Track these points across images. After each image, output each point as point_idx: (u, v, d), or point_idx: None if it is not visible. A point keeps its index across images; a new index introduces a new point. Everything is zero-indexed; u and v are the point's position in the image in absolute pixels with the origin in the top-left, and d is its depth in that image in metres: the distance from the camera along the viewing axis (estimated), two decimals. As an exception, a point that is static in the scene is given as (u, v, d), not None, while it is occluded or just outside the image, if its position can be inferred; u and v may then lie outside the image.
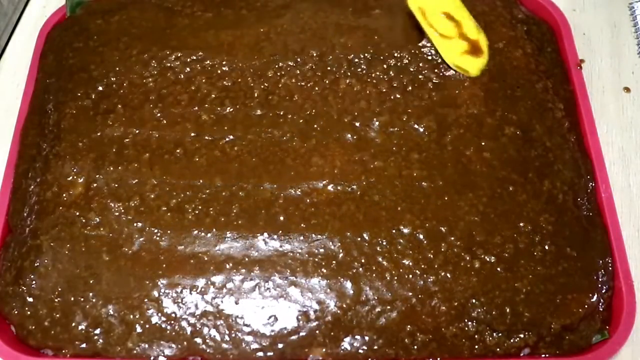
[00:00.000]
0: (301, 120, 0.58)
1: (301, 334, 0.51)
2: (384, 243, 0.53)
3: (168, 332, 0.51)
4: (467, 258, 0.52)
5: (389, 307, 0.51)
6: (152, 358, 0.51)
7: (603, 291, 0.53)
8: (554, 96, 0.61)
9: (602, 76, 0.67)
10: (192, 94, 0.60)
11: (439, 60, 0.61)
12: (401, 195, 0.55)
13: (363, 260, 0.52)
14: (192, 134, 0.58)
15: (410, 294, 0.51)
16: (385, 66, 0.61)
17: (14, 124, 0.63)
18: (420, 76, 0.60)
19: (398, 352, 0.51)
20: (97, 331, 0.51)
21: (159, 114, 0.59)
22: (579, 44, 0.66)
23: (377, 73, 0.61)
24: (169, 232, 0.54)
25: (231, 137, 0.58)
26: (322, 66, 0.61)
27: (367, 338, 0.51)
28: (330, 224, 0.54)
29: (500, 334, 0.51)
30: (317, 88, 0.60)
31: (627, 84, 0.67)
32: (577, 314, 0.51)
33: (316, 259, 0.53)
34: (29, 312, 0.52)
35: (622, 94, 0.67)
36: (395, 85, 0.60)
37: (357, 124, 0.58)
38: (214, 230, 0.54)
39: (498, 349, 0.51)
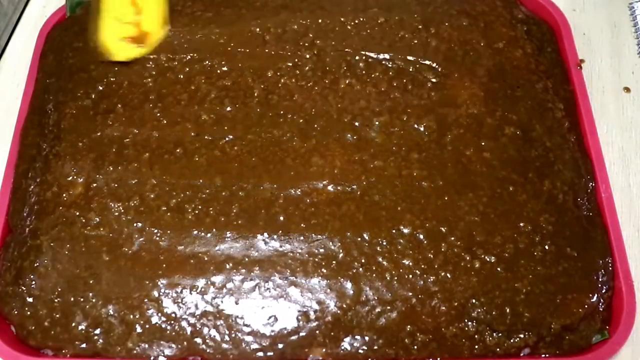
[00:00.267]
0: (301, 120, 0.58)
1: (301, 334, 0.51)
2: (384, 243, 0.53)
3: (168, 332, 0.51)
4: (467, 258, 0.52)
5: (389, 307, 0.51)
6: (152, 358, 0.51)
7: (603, 291, 0.53)
8: (554, 96, 0.61)
9: (602, 76, 0.67)
10: (192, 93, 0.60)
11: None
12: (401, 195, 0.55)
13: (363, 260, 0.52)
14: (192, 134, 0.58)
15: (410, 294, 0.51)
16: (384, 66, 0.61)
17: (14, 124, 0.63)
18: (419, 76, 0.60)
19: (398, 352, 0.51)
20: (97, 331, 0.51)
21: (158, 114, 0.59)
22: (579, 44, 0.66)
23: (377, 73, 0.61)
24: (168, 232, 0.54)
25: (231, 136, 0.58)
26: (321, 66, 0.61)
27: (367, 338, 0.51)
28: (330, 224, 0.54)
29: (500, 334, 0.51)
30: (316, 88, 0.60)
31: (627, 84, 0.67)
32: (577, 314, 0.51)
33: (316, 259, 0.53)
34: (28, 312, 0.52)
35: (622, 94, 0.67)
36: (395, 85, 0.60)
37: (357, 124, 0.58)
38: (214, 230, 0.54)
39: (498, 349, 0.51)
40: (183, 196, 0.55)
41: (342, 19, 0.64)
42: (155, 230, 0.54)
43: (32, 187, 0.58)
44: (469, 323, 0.51)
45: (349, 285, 0.52)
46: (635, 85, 0.67)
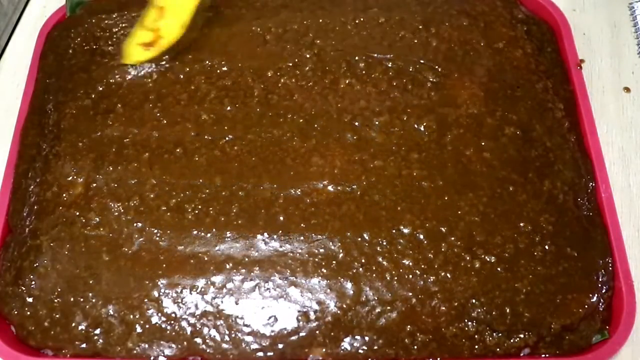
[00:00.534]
0: (301, 120, 0.58)
1: (301, 334, 0.51)
2: (384, 243, 0.53)
3: (168, 332, 0.51)
4: (467, 258, 0.52)
5: (389, 307, 0.51)
6: (152, 358, 0.51)
7: (603, 291, 0.53)
8: (554, 96, 0.61)
9: (602, 76, 0.67)
10: (192, 93, 0.60)
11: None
12: (401, 195, 0.55)
13: (363, 260, 0.52)
14: (192, 134, 0.58)
15: (410, 294, 0.51)
16: (384, 66, 0.61)
17: (14, 124, 0.63)
18: (419, 76, 0.60)
19: (398, 352, 0.51)
20: (97, 331, 0.51)
21: (158, 114, 0.59)
22: (579, 44, 0.66)
23: (377, 73, 0.61)
24: (168, 232, 0.54)
25: (231, 136, 0.58)
26: (321, 66, 0.61)
27: (367, 338, 0.51)
28: (330, 224, 0.54)
29: (500, 334, 0.51)
30: (316, 88, 0.60)
31: (627, 84, 0.67)
32: (577, 314, 0.51)
33: (316, 259, 0.53)
34: (28, 313, 0.52)
35: (622, 94, 0.67)
36: (395, 84, 0.60)
37: (357, 124, 0.58)
38: (214, 230, 0.54)
39: (498, 349, 0.51)
40: (183, 196, 0.55)
41: (342, 19, 0.64)
42: (155, 230, 0.54)
43: (32, 187, 0.58)
44: (469, 323, 0.51)
45: (349, 285, 0.52)
46: (635, 85, 0.67)
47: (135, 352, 0.51)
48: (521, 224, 0.54)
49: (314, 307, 0.51)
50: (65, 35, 0.66)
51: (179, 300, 0.52)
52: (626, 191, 0.61)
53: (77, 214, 0.55)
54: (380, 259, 0.52)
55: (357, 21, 0.64)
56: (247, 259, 0.53)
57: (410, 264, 0.52)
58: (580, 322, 0.52)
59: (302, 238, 0.53)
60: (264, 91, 0.60)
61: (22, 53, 0.71)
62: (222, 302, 0.52)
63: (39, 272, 0.53)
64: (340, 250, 0.53)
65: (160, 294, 0.52)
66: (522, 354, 0.51)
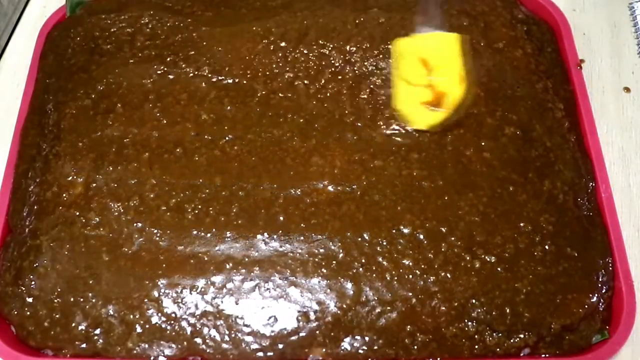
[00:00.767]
0: (301, 120, 0.58)
1: (301, 334, 0.51)
2: (384, 243, 0.53)
3: (168, 332, 0.51)
4: (468, 258, 0.52)
5: (389, 307, 0.51)
6: (152, 358, 0.51)
7: (603, 291, 0.53)
8: (554, 96, 0.61)
9: (602, 76, 0.67)
10: (192, 93, 0.60)
11: None
12: (401, 195, 0.55)
13: (363, 261, 0.52)
14: (192, 134, 0.58)
15: (411, 294, 0.51)
16: (385, 65, 0.61)
17: (14, 124, 0.63)
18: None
19: (398, 352, 0.50)
20: (97, 331, 0.51)
21: (158, 114, 0.59)
22: (579, 44, 0.66)
23: (378, 72, 0.61)
24: (168, 232, 0.54)
25: (231, 136, 0.58)
26: (322, 66, 0.61)
27: (367, 338, 0.51)
28: (330, 224, 0.54)
29: (500, 334, 0.51)
30: (317, 88, 0.60)
31: (627, 84, 0.67)
32: (577, 314, 0.51)
33: (316, 259, 0.53)
34: (28, 313, 0.52)
35: (622, 94, 0.67)
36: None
37: (358, 124, 0.58)
38: (214, 230, 0.54)
39: (498, 349, 0.51)
40: (183, 196, 0.55)
41: (342, 19, 0.64)
42: (155, 230, 0.54)
43: (32, 187, 0.58)
44: (469, 323, 0.51)
45: (349, 285, 0.52)
46: (635, 85, 0.67)
47: (135, 352, 0.51)
48: (521, 224, 0.54)
49: (314, 307, 0.51)
50: (65, 35, 0.66)
51: (179, 300, 0.52)
52: (626, 191, 0.61)
53: (77, 214, 0.55)
54: (380, 259, 0.52)
55: (357, 21, 0.64)
56: (247, 259, 0.53)
57: (410, 264, 0.52)
58: (580, 322, 0.52)
59: (302, 238, 0.53)
60: (264, 91, 0.60)
61: (22, 53, 0.71)
62: (222, 302, 0.52)
63: (39, 272, 0.53)
64: (340, 250, 0.53)
65: (160, 294, 0.52)
66: (522, 354, 0.51)
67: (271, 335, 0.51)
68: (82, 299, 0.52)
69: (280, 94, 0.60)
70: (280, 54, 0.62)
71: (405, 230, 0.53)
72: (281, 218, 0.54)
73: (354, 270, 0.52)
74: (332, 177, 0.56)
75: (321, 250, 0.53)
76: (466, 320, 0.51)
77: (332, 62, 0.61)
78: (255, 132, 0.58)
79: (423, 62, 0.58)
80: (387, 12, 0.64)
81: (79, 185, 0.56)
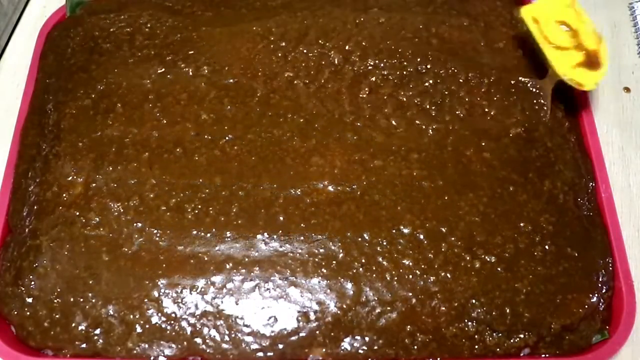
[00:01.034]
0: (301, 120, 0.58)
1: (301, 334, 0.51)
2: (384, 243, 0.53)
3: (168, 332, 0.51)
4: (468, 258, 0.52)
5: (389, 307, 0.51)
6: (152, 358, 0.51)
7: (603, 291, 0.53)
8: (554, 96, 0.61)
9: (602, 76, 0.68)
10: (192, 93, 0.60)
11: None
12: (401, 195, 0.55)
13: (363, 260, 0.52)
14: (192, 133, 0.58)
15: (411, 294, 0.51)
16: (385, 66, 0.61)
17: (14, 124, 0.63)
18: (419, 76, 0.60)
19: (398, 352, 0.50)
20: (97, 331, 0.51)
21: (158, 114, 0.59)
22: (579, 44, 0.66)
23: (378, 72, 0.61)
24: (168, 232, 0.54)
25: (231, 136, 0.58)
26: (322, 66, 0.61)
27: (367, 338, 0.51)
28: (330, 224, 0.54)
29: (500, 334, 0.51)
30: (317, 87, 0.60)
31: (627, 84, 0.67)
32: (577, 314, 0.51)
33: (316, 259, 0.53)
34: (28, 313, 0.52)
35: (622, 94, 0.67)
36: (395, 84, 0.60)
37: (358, 124, 0.58)
38: (214, 230, 0.54)
39: (498, 349, 0.51)
40: (183, 196, 0.55)
41: (342, 19, 0.64)
42: (155, 230, 0.54)
43: (32, 187, 0.58)
44: (469, 323, 0.51)
45: (349, 285, 0.52)
46: (635, 85, 0.67)
47: (135, 352, 0.51)
48: (521, 224, 0.54)
49: (314, 307, 0.51)
50: (65, 35, 0.66)
51: (179, 300, 0.52)
52: (626, 191, 0.61)
53: (77, 214, 0.55)
54: (380, 259, 0.52)
55: (357, 21, 0.64)
56: (247, 259, 0.53)
57: (410, 264, 0.52)
58: (580, 322, 0.52)
59: (302, 238, 0.53)
60: (264, 91, 0.60)
61: (22, 53, 0.71)
62: (222, 302, 0.52)
63: (39, 272, 0.53)
64: (340, 250, 0.53)
65: (160, 294, 0.52)
66: (522, 354, 0.51)
67: (271, 335, 0.51)
68: (82, 299, 0.52)
69: (280, 94, 0.60)
70: (280, 54, 0.62)
71: (406, 230, 0.53)
72: (281, 218, 0.54)
73: (354, 270, 0.52)
74: (332, 177, 0.56)
75: (321, 250, 0.53)
76: (466, 320, 0.51)
77: (332, 61, 0.61)
78: (255, 132, 0.58)
79: (564, 24, 0.59)
80: (387, 12, 0.64)
81: (78, 185, 0.56)
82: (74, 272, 0.53)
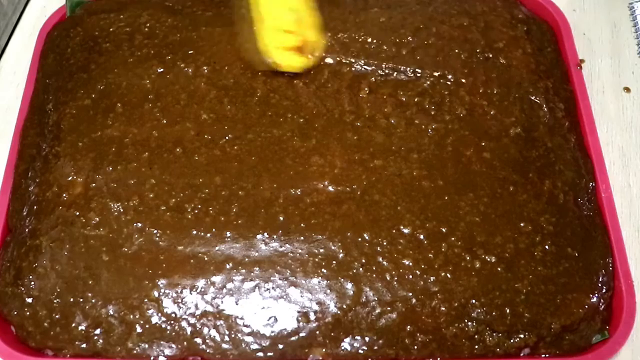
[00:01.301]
0: (301, 120, 0.58)
1: (301, 334, 0.51)
2: (384, 243, 0.53)
3: (168, 332, 0.51)
4: (468, 258, 0.52)
5: (389, 308, 0.51)
6: (152, 358, 0.51)
7: (603, 291, 0.53)
8: (554, 96, 0.61)
9: (602, 76, 0.67)
10: (192, 92, 0.60)
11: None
12: (401, 195, 0.55)
13: (363, 261, 0.52)
14: (192, 133, 0.58)
15: (411, 294, 0.51)
16: (385, 66, 0.61)
17: (14, 123, 0.63)
18: (419, 76, 0.60)
19: (398, 352, 0.50)
20: (97, 331, 0.51)
21: (158, 113, 0.59)
22: (579, 44, 0.66)
23: (378, 72, 0.61)
24: (168, 232, 0.54)
25: (231, 136, 0.58)
26: (322, 65, 0.61)
27: (367, 338, 0.51)
28: (330, 224, 0.54)
29: (500, 334, 0.51)
30: (317, 87, 0.60)
31: (627, 84, 0.67)
32: (578, 314, 0.51)
33: (316, 259, 0.53)
34: (28, 313, 0.52)
35: (622, 94, 0.67)
36: (394, 84, 0.60)
37: (358, 124, 0.58)
38: (214, 230, 0.54)
39: (498, 349, 0.51)
40: (182, 196, 0.55)
41: (342, 19, 0.64)
42: (155, 230, 0.54)
43: (31, 187, 0.58)
44: (469, 323, 0.51)
45: (349, 285, 0.52)
46: (635, 85, 0.67)
47: (135, 352, 0.51)
48: (521, 224, 0.54)
49: (314, 307, 0.51)
50: (65, 35, 0.66)
51: (179, 300, 0.52)
52: (626, 191, 0.61)
53: (77, 214, 0.55)
54: (380, 259, 0.52)
55: (357, 21, 0.64)
56: (247, 259, 0.53)
57: (411, 264, 0.52)
58: (580, 322, 0.52)
59: (302, 238, 0.53)
60: (264, 90, 0.60)
61: (22, 53, 0.71)
62: (222, 302, 0.52)
63: (39, 273, 0.53)
64: (341, 250, 0.53)
65: (160, 294, 0.52)
66: (522, 354, 0.51)
67: (271, 335, 0.51)
68: (82, 299, 0.52)
69: (280, 94, 0.60)
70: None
71: (406, 230, 0.53)
72: (281, 218, 0.54)
73: (354, 271, 0.52)
74: (332, 177, 0.55)
75: (321, 250, 0.53)
76: (466, 321, 0.51)
77: (331, 61, 0.61)
78: (255, 132, 0.58)
79: (291, 10, 0.61)
80: (387, 11, 0.64)
81: (78, 185, 0.56)
82: (73, 272, 0.53)
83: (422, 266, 0.52)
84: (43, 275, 0.53)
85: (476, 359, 0.51)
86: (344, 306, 0.51)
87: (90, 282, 0.52)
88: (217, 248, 0.53)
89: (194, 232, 0.54)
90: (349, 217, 0.54)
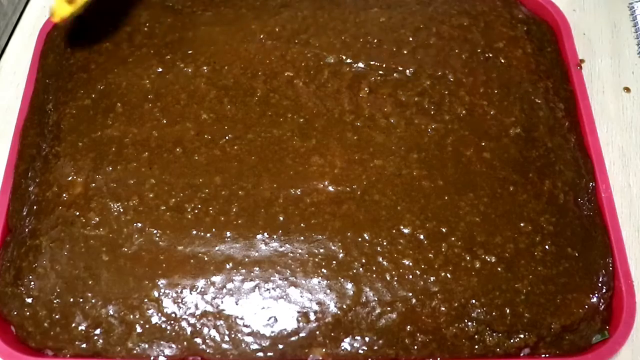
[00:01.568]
0: (301, 120, 0.58)
1: (301, 334, 0.51)
2: (385, 243, 0.53)
3: (168, 332, 0.51)
4: (468, 258, 0.52)
5: (389, 308, 0.51)
6: (152, 358, 0.51)
7: (603, 291, 0.53)
8: (554, 96, 0.61)
9: (602, 76, 0.67)
10: (192, 92, 0.60)
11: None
12: (401, 195, 0.55)
13: (363, 261, 0.52)
14: (192, 133, 0.58)
15: (411, 294, 0.51)
16: (385, 65, 0.61)
17: (14, 123, 0.63)
18: (419, 75, 0.60)
19: (398, 352, 0.50)
20: (97, 331, 0.51)
21: (158, 113, 0.59)
22: (579, 44, 0.66)
23: (377, 72, 0.61)
24: (168, 232, 0.54)
25: (231, 136, 0.58)
26: (322, 65, 0.61)
27: (367, 338, 0.51)
28: (330, 224, 0.54)
29: (500, 334, 0.51)
30: (317, 87, 0.60)
31: (627, 84, 0.67)
32: (578, 314, 0.51)
33: (316, 259, 0.53)
34: (28, 313, 0.52)
35: (622, 94, 0.67)
36: (395, 84, 0.60)
37: (358, 124, 0.58)
38: (214, 229, 0.54)
39: (498, 349, 0.51)
40: (182, 195, 0.55)
41: (342, 18, 0.64)
42: (155, 230, 0.54)
43: (31, 187, 0.58)
44: (469, 323, 0.51)
45: (349, 285, 0.52)
46: (635, 85, 0.67)
47: (135, 352, 0.51)
48: (522, 224, 0.54)
49: (314, 307, 0.51)
50: (65, 35, 0.66)
51: (179, 300, 0.52)
52: (626, 191, 0.61)
53: (77, 214, 0.55)
54: (380, 259, 0.52)
55: (357, 20, 0.64)
56: (247, 259, 0.53)
57: (411, 264, 0.52)
58: (580, 322, 0.52)
59: (302, 238, 0.53)
60: (264, 90, 0.60)
61: (22, 53, 0.71)
62: (222, 302, 0.52)
63: (39, 273, 0.53)
64: (341, 250, 0.53)
65: (160, 294, 0.52)
66: (522, 354, 0.51)
67: (271, 335, 0.51)
68: (81, 299, 0.52)
69: (280, 93, 0.60)
70: (279, 53, 0.62)
71: (406, 230, 0.53)
72: (281, 218, 0.54)
73: (354, 271, 0.52)
74: (332, 177, 0.55)
75: (321, 250, 0.53)
76: (466, 321, 0.51)
77: (331, 60, 0.61)
78: (255, 132, 0.58)
79: None
80: (387, 11, 0.64)
81: (78, 185, 0.56)
82: (73, 272, 0.53)
83: (422, 266, 0.52)
84: (43, 275, 0.53)
85: (476, 359, 0.51)
86: (344, 306, 0.51)
87: (90, 282, 0.52)
88: (217, 248, 0.53)
89: (194, 232, 0.54)
90: (349, 217, 0.54)
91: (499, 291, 0.51)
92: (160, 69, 0.61)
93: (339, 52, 0.62)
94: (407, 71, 0.61)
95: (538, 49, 0.64)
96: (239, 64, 0.61)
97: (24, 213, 0.57)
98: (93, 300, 0.52)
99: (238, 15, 0.65)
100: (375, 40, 0.62)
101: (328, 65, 0.61)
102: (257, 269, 0.52)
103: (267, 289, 0.52)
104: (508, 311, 0.51)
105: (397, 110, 0.59)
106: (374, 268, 0.52)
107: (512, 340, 0.51)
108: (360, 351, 0.50)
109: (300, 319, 0.51)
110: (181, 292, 0.52)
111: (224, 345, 0.51)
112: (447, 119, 0.58)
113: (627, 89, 0.67)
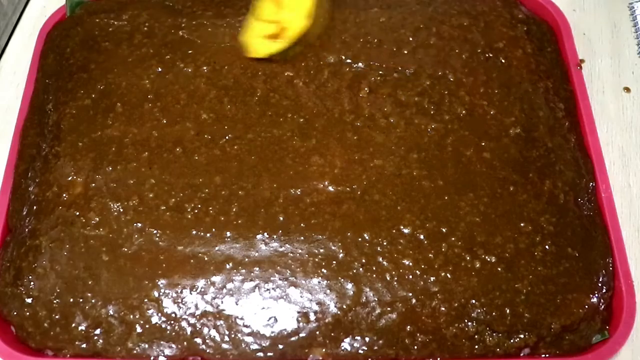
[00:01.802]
0: (301, 120, 0.58)
1: (301, 334, 0.51)
2: (385, 243, 0.53)
3: (168, 332, 0.51)
4: (468, 258, 0.52)
5: (389, 308, 0.51)
6: (152, 358, 0.51)
7: (603, 291, 0.53)
8: (554, 96, 0.61)
9: (602, 76, 0.67)
10: (191, 92, 0.60)
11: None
12: (401, 195, 0.55)
13: (363, 261, 0.52)
14: (192, 133, 0.58)
15: (411, 294, 0.51)
16: (385, 65, 0.61)
17: (14, 123, 0.63)
18: (419, 76, 0.60)
19: (398, 352, 0.50)
20: (97, 331, 0.51)
21: (158, 113, 0.59)
22: (579, 44, 0.66)
23: (377, 72, 0.61)
24: (168, 232, 0.54)
25: (231, 135, 0.58)
26: (322, 65, 0.61)
27: (367, 338, 0.51)
28: (330, 224, 0.54)
29: (500, 335, 0.51)
30: (317, 87, 0.60)
31: (627, 84, 0.67)
32: (578, 314, 0.51)
33: (316, 259, 0.53)
34: (27, 313, 0.52)
35: (622, 94, 0.67)
36: (395, 84, 0.60)
37: (358, 124, 0.58)
38: (214, 229, 0.54)
39: (498, 349, 0.51)
40: (182, 195, 0.55)
41: (342, 18, 0.64)
42: (155, 230, 0.54)
43: (31, 187, 0.58)
44: (469, 323, 0.51)
45: (349, 285, 0.52)
46: (635, 85, 0.67)
47: (135, 352, 0.51)
48: (522, 224, 0.54)
49: (314, 307, 0.51)
50: (65, 35, 0.66)
51: (179, 300, 0.52)
52: (626, 191, 0.61)
53: (77, 214, 0.55)
54: (380, 259, 0.52)
55: (357, 20, 0.64)
56: (247, 259, 0.53)
57: (411, 264, 0.52)
58: (580, 322, 0.52)
59: (302, 238, 0.53)
60: (264, 90, 0.60)
61: (22, 53, 0.71)
62: (222, 302, 0.52)
63: (38, 273, 0.53)
64: (341, 250, 0.53)
65: (160, 294, 0.52)
66: (522, 354, 0.51)
67: (271, 335, 0.51)
68: (81, 299, 0.52)
69: (280, 93, 0.60)
70: (280, 53, 0.62)
71: (406, 230, 0.53)
72: (281, 218, 0.54)
73: (354, 271, 0.52)
74: (332, 177, 0.55)
75: (321, 250, 0.53)
76: (466, 321, 0.51)
77: (331, 60, 0.61)
78: (255, 132, 0.58)
79: (275, 2, 0.61)
80: (387, 11, 0.64)
81: (78, 185, 0.56)
82: (73, 272, 0.53)
83: (422, 266, 0.52)
84: (43, 275, 0.53)
85: (476, 359, 0.51)
86: (344, 306, 0.51)
87: (90, 282, 0.52)
88: (217, 248, 0.53)
89: (194, 232, 0.54)
90: (349, 217, 0.54)
91: (499, 291, 0.51)
92: (160, 69, 0.61)
93: (339, 52, 0.62)
94: (407, 71, 0.61)
95: (538, 49, 0.64)
96: (239, 64, 0.61)
97: (24, 213, 0.57)
98: (93, 300, 0.52)
99: (238, 15, 0.65)
100: (375, 40, 0.62)
101: (328, 65, 0.61)
102: (257, 269, 0.52)
103: (267, 289, 0.52)
104: (508, 311, 0.51)
105: (397, 110, 0.59)
106: (374, 268, 0.52)
107: (512, 340, 0.51)
108: (360, 351, 0.50)
109: (300, 319, 0.51)
110: (181, 292, 0.52)
111: (224, 345, 0.51)
112: (447, 119, 0.58)
113: (627, 89, 0.67)
